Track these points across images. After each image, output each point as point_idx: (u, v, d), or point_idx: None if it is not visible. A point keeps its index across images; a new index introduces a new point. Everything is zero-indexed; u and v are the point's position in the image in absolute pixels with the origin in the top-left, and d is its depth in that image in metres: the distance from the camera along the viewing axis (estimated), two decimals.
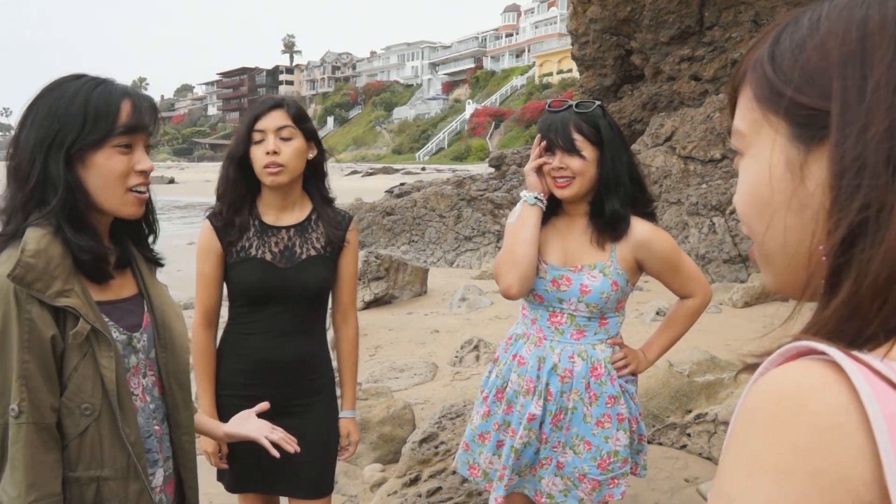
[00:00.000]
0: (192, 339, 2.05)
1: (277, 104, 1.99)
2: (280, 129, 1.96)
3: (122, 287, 1.47)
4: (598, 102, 2.00)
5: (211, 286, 2.06)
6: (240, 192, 2.04)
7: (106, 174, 1.34)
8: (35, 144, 1.31)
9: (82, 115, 1.31)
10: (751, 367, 0.55)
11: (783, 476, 0.45)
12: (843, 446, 0.44)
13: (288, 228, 2.05)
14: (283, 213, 2.06)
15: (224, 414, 2.04)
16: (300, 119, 2.01)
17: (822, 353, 0.48)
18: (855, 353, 0.47)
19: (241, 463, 2.07)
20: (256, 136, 1.97)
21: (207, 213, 2.08)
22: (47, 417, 1.27)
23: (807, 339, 0.50)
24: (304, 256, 2.03)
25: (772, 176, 0.57)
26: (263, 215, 2.06)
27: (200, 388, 2.07)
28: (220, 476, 2.14)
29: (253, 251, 2.01)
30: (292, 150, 1.97)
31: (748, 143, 0.61)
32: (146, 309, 1.51)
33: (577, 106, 1.98)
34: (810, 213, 0.55)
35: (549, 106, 2.03)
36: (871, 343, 0.50)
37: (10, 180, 1.34)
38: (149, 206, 1.52)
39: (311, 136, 2.03)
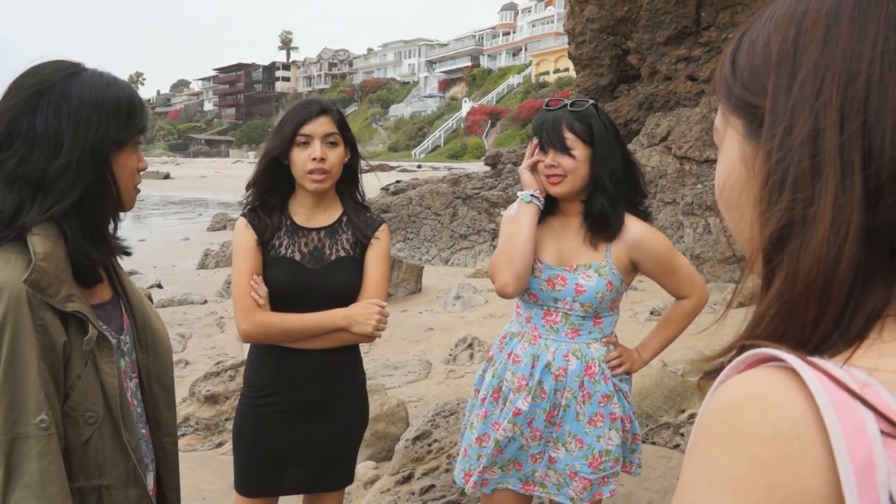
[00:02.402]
0: (254, 326, 1.94)
1: (324, 110, 1.99)
2: (327, 135, 1.97)
3: (102, 290, 1.43)
4: (591, 101, 2.00)
5: (252, 278, 1.97)
6: (276, 191, 2.04)
7: (126, 172, 1.33)
8: (79, 139, 1.23)
9: (124, 112, 1.28)
10: (709, 375, 0.54)
11: (741, 488, 0.44)
12: (800, 458, 0.43)
13: (318, 230, 2.04)
14: (314, 215, 2.06)
15: (254, 415, 2.03)
16: (344, 126, 2.02)
17: (782, 360, 0.47)
18: (815, 360, 0.46)
19: (268, 469, 2.05)
20: (300, 140, 1.96)
21: (242, 211, 2.06)
22: (60, 427, 1.23)
23: (767, 346, 0.49)
24: (332, 258, 2.02)
25: (733, 171, 0.59)
26: (294, 215, 2.05)
27: (295, 317, 1.96)
28: (236, 484, 2.10)
29: (283, 251, 2.00)
30: (337, 157, 1.99)
31: (720, 139, 0.62)
32: (124, 311, 1.47)
33: (571, 105, 1.98)
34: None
35: (546, 105, 2.03)
36: (832, 350, 0.49)
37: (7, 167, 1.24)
38: None
39: (349, 143, 2.04)
